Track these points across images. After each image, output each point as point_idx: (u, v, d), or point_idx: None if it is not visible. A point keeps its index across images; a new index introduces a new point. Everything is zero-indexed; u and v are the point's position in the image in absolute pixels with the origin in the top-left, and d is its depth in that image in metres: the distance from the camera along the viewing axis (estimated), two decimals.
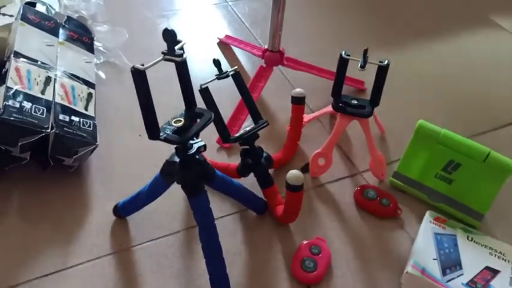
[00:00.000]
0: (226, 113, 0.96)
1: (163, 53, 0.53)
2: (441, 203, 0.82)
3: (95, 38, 1.09)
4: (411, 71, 1.19)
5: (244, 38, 1.23)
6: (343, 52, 0.79)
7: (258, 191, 0.81)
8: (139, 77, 0.51)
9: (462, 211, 0.81)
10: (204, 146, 0.60)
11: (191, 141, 0.59)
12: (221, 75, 0.75)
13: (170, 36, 0.50)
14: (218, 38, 1.22)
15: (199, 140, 0.60)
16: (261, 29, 1.28)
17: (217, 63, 0.74)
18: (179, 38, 0.52)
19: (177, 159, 0.60)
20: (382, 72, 0.79)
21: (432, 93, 1.12)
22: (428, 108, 1.07)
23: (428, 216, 0.78)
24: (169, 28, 0.50)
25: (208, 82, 0.74)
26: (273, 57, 1.01)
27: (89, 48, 1.02)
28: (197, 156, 0.61)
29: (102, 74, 1.09)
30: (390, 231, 0.80)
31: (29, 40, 0.89)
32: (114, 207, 0.76)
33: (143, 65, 0.51)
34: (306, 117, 0.95)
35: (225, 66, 1.14)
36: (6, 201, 0.79)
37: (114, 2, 1.31)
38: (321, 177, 0.89)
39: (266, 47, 1.02)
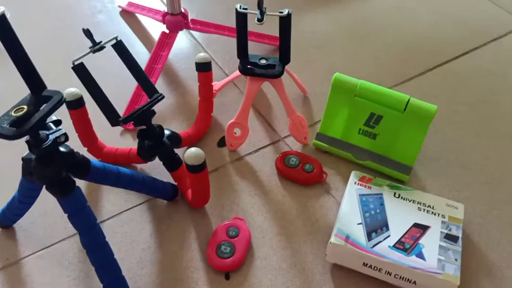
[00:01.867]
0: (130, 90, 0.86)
1: None
2: (367, 161, 0.76)
3: None
4: (337, 23, 1.10)
5: (151, 3, 1.10)
6: (238, 6, 0.69)
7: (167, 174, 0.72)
8: None
9: (389, 166, 0.75)
10: (65, 135, 0.49)
11: (46, 132, 0.49)
12: (95, 46, 0.63)
13: None
14: (119, 7, 1.09)
15: (58, 128, 0.50)
16: None
17: (87, 33, 0.62)
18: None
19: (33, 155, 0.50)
20: (285, 23, 0.69)
21: (359, 44, 1.05)
22: (354, 61, 1.00)
23: (352, 177, 0.72)
24: None
25: (81, 57, 0.63)
26: (175, 20, 0.90)
27: None
28: (61, 148, 0.50)
29: None
30: (315, 198, 0.74)
31: None
32: None
33: None
34: (218, 84, 0.86)
35: (130, 37, 1.03)
36: None
37: None
38: (240, 149, 0.81)
39: (166, 10, 0.90)
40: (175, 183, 0.72)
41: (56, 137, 0.48)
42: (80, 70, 0.63)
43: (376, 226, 0.64)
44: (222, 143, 0.81)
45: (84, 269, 0.63)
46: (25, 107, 0.46)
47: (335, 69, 0.80)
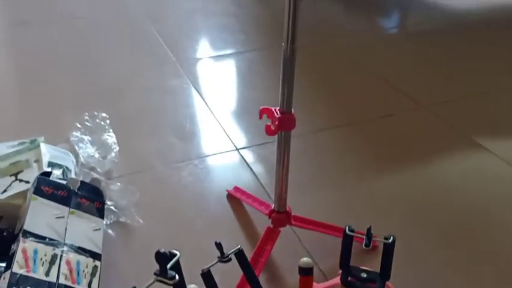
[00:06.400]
0: None
1: (155, 273, 0.53)
2: None
3: (107, 200, 1.12)
4: (391, 199, 1.17)
5: (253, 188, 1.25)
6: (347, 228, 0.78)
7: None
8: None
9: None
10: None
11: None
12: (223, 258, 0.74)
13: (163, 259, 0.50)
14: (227, 191, 1.24)
15: None
16: (270, 178, 1.30)
17: (219, 246, 0.74)
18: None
19: None
20: (389, 248, 0.77)
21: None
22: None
23: None
24: (162, 251, 0.51)
25: (210, 266, 0.73)
26: (280, 218, 1.01)
27: (100, 213, 1.04)
28: None
29: (111, 232, 1.10)
30: None
31: (39, 215, 0.92)
32: None
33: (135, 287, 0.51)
34: (316, 286, 0.92)
35: (233, 220, 1.15)
36: None
37: (128, 156, 1.37)
38: None
39: (273, 206, 1.02)
40: None
41: None
42: (207, 277, 0.73)
43: None
44: None
45: None
46: None
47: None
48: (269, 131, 0.89)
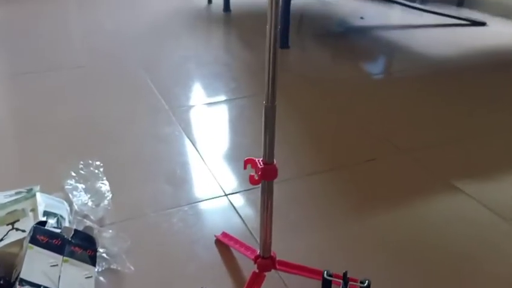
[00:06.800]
0: None
1: None
2: None
3: (99, 247, 1.16)
4: (378, 241, 1.21)
5: (241, 233, 1.29)
6: (325, 273, 0.83)
7: None
8: None
9: None
10: None
11: None
12: None
13: None
14: (215, 236, 1.28)
15: None
16: (257, 222, 1.35)
17: None
18: None
19: None
20: None
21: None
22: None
23: None
24: None
25: None
26: (265, 263, 1.05)
27: (92, 260, 1.08)
28: None
29: (103, 279, 1.13)
30: None
31: (35, 264, 0.96)
32: None
33: None
34: None
35: (221, 266, 1.19)
36: None
37: (121, 203, 1.42)
38: None
39: (258, 252, 1.07)
40: None
41: None
42: None
43: None
44: None
45: None
46: None
47: None
48: (253, 181, 0.95)
